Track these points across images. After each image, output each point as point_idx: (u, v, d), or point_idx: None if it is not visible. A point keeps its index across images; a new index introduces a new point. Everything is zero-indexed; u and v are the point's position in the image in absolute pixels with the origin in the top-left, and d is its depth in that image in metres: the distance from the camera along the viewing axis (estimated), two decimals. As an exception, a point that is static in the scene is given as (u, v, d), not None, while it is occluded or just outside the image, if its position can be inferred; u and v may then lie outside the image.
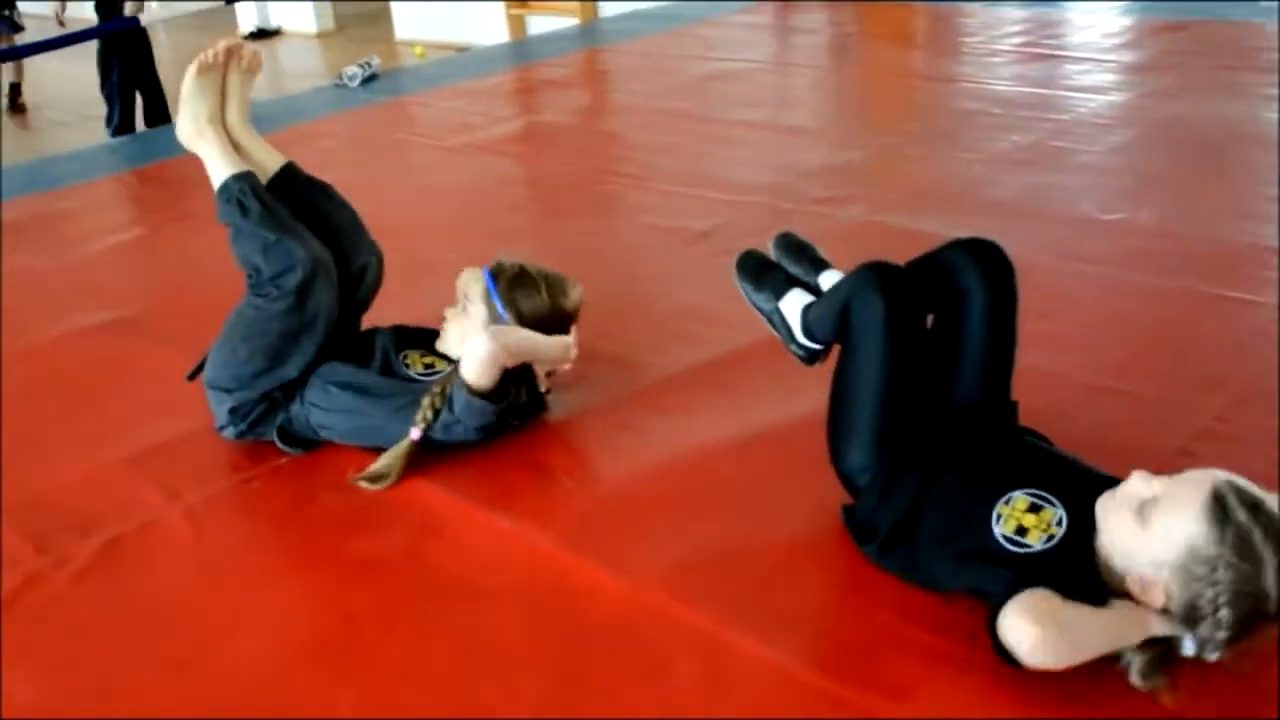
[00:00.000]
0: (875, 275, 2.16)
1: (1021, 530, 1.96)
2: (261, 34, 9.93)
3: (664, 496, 2.45)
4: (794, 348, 2.44)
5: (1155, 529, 1.82)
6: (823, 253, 2.53)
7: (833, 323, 2.24)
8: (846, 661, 1.96)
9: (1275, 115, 4.68)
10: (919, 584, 2.08)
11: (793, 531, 2.29)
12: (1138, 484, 1.88)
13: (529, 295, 2.68)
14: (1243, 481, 1.84)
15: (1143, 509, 1.84)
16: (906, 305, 2.15)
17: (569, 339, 2.68)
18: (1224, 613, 1.75)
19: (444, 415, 2.52)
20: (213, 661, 2.07)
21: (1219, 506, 1.77)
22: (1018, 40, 6.21)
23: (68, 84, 9.33)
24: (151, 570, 2.33)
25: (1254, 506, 1.77)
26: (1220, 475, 1.83)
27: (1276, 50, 5.61)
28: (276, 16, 10.84)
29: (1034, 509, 1.97)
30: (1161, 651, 1.83)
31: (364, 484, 2.51)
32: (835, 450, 2.26)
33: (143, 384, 3.06)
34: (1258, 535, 1.75)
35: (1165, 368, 2.80)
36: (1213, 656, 1.81)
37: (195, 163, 2.78)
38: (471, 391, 2.50)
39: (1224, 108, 4.83)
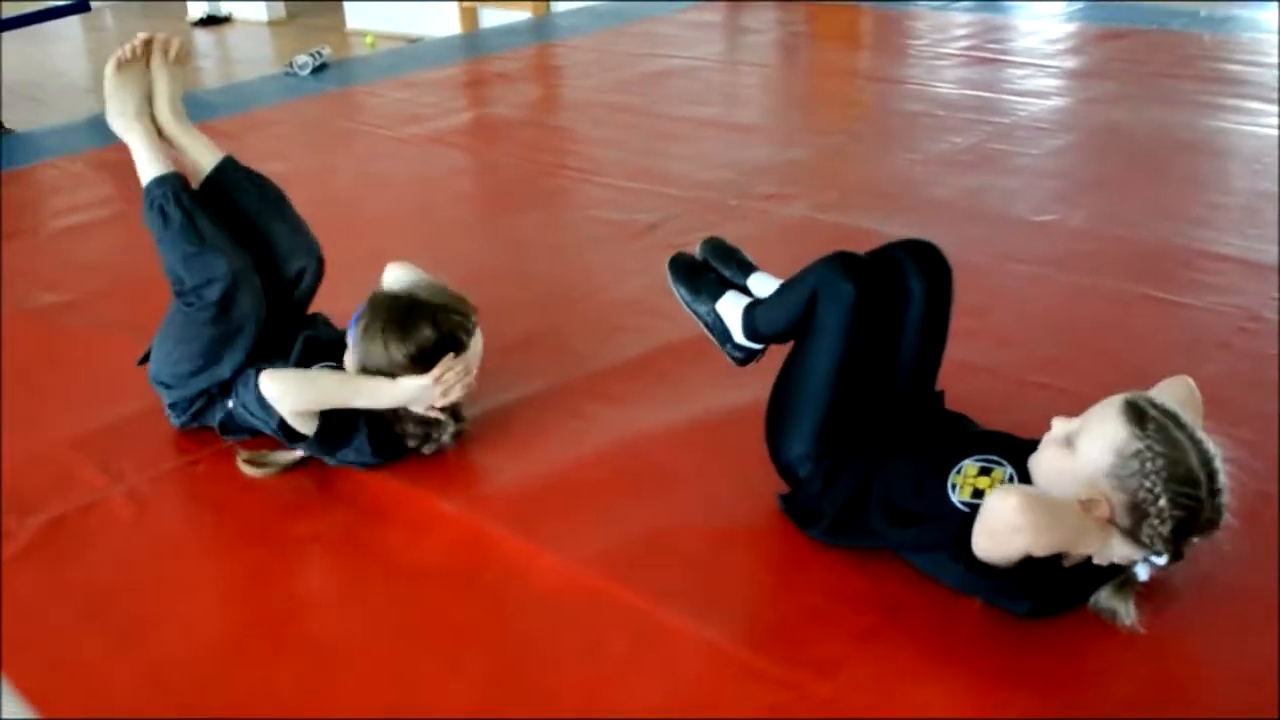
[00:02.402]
0: (845, 264, 2.20)
1: (978, 494, 2.04)
2: (211, 20, 9.87)
3: (603, 482, 2.50)
4: (730, 349, 2.47)
5: (1082, 449, 1.95)
6: (750, 256, 2.58)
7: (793, 313, 2.27)
8: (776, 639, 2.02)
9: (1210, 123, 4.80)
10: (867, 546, 2.17)
11: (726, 517, 2.36)
12: (1058, 425, 2.02)
13: (369, 348, 2.44)
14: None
15: (1068, 439, 1.98)
16: (871, 295, 2.20)
17: (422, 381, 2.42)
18: (1163, 502, 1.88)
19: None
20: (156, 637, 2.10)
21: (1134, 409, 1.93)
22: (963, 44, 6.32)
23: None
24: (94, 549, 2.35)
25: (1163, 409, 1.94)
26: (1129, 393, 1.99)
27: (1213, 60, 5.75)
28: (227, 4, 10.78)
29: (984, 471, 2.07)
30: (1120, 581, 1.96)
31: (245, 466, 2.53)
32: (776, 442, 2.31)
33: (90, 366, 3.07)
34: (1173, 426, 1.91)
35: (1093, 364, 2.88)
36: (1162, 560, 1.93)
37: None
38: (288, 433, 2.49)
39: (1160, 115, 4.95)
